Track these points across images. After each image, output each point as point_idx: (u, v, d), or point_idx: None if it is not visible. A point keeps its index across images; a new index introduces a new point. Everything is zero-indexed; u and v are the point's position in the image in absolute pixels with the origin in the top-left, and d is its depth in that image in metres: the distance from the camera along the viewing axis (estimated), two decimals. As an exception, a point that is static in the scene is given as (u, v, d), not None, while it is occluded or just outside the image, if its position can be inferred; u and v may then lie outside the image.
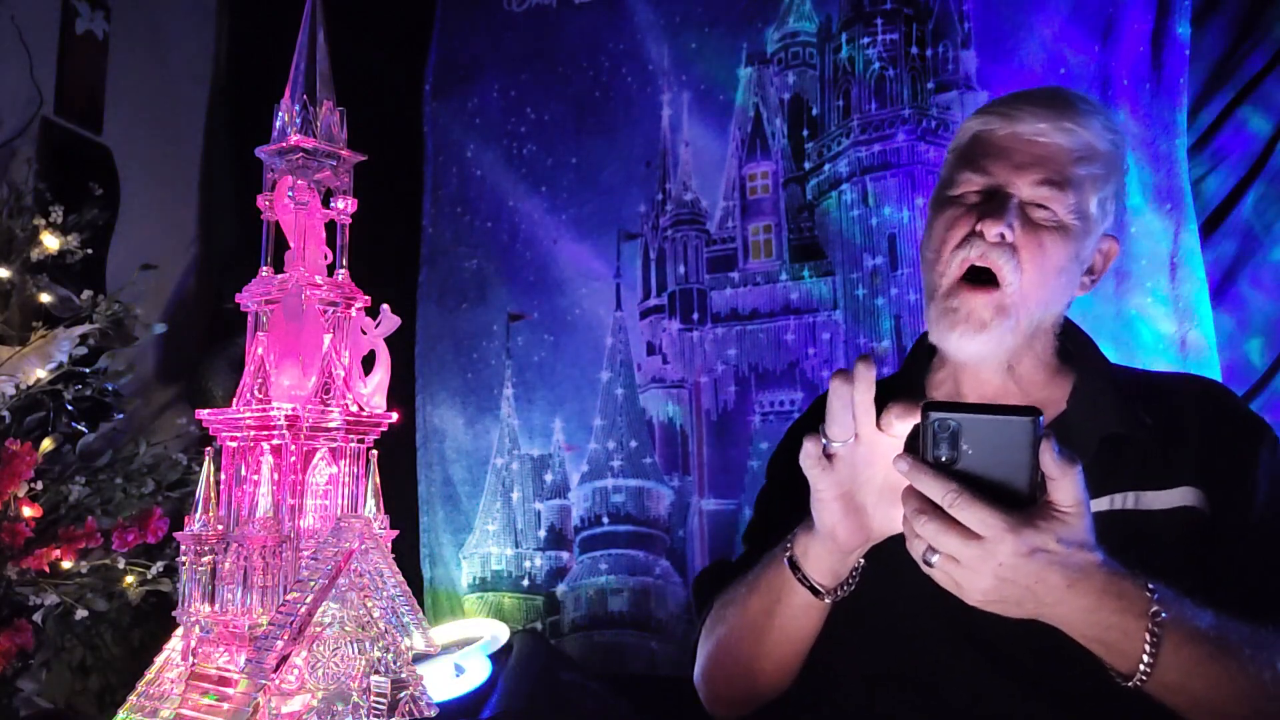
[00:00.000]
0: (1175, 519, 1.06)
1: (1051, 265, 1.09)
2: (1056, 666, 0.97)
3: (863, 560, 1.03)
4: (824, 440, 0.95)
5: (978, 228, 1.08)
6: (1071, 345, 1.18)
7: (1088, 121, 1.12)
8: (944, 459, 0.86)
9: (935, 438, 0.86)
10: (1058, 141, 1.10)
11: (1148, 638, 0.88)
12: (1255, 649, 0.94)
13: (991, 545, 0.84)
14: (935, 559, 0.87)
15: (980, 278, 1.08)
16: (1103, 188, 1.12)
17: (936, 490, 0.85)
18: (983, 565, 0.85)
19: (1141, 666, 0.89)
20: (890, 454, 0.93)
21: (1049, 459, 0.84)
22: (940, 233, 1.13)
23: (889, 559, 0.99)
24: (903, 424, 0.92)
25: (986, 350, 1.10)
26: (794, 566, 1.03)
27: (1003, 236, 1.07)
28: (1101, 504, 1.06)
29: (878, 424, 0.93)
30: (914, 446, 0.90)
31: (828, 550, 1.00)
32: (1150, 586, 0.89)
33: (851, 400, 0.93)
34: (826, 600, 1.04)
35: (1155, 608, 0.88)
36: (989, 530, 0.84)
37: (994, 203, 1.09)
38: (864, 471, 0.96)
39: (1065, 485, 0.85)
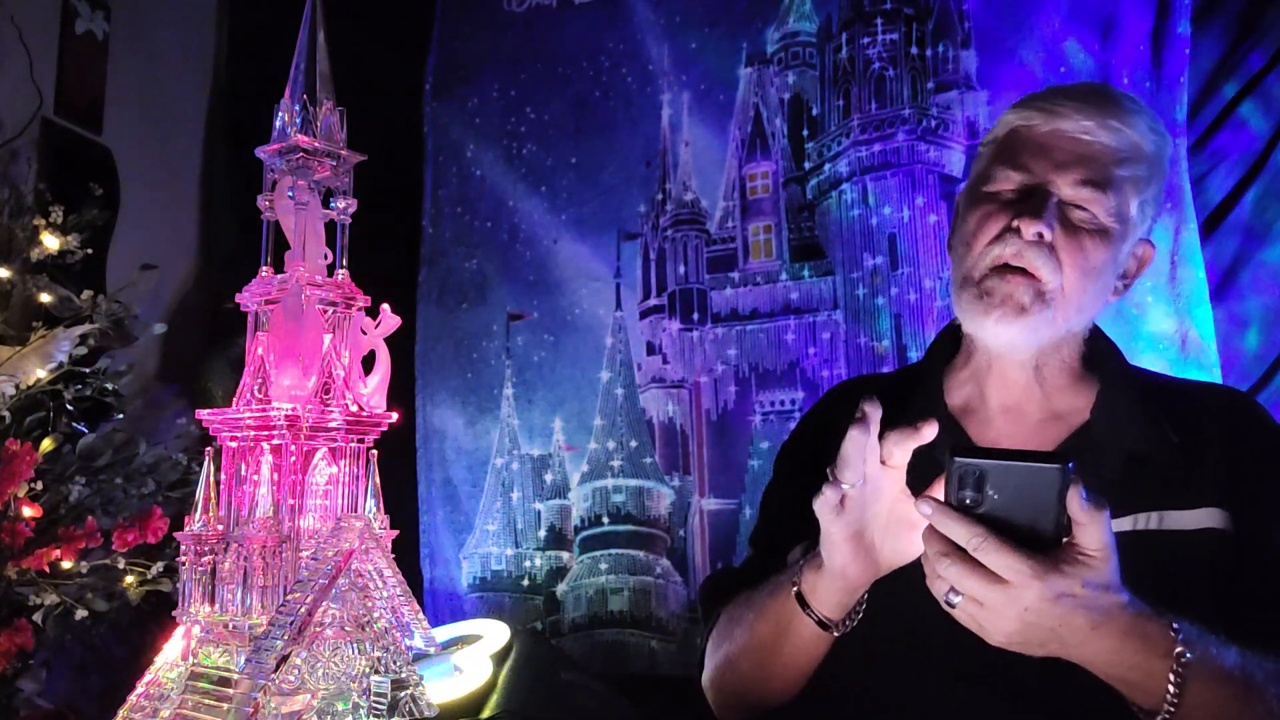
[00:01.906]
0: (1200, 540, 1.04)
1: (1090, 268, 1.06)
2: (1067, 689, 0.95)
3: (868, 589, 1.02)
4: (840, 484, 0.94)
5: (1014, 224, 1.05)
6: (1095, 350, 1.15)
7: (1133, 121, 1.08)
8: (968, 501, 0.85)
9: (960, 481, 0.86)
10: (1102, 140, 1.06)
11: (1172, 678, 0.87)
12: None
13: (1017, 590, 0.83)
14: (958, 600, 0.86)
15: (1017, 270, 1.05)
16: (1144, 191, 1.08)
17: (962, 534, 0.84)
18: (1008, 609, 0.84)
19: (1165, 706, 0.88)
20: (893, 486, 0.93)
21: (1077, 505, 0.83)
22: (973, 226, 1.10)
23: (897, 588, 0.98)
24: (902, 451, 0.92)
25: (1023, 338, 1.07)
26: (801, 602, 1.02)
27: (1040, 236, 1.04)
28: (1124, 524, 1.03)
29: (880, 459, 0.93)
30: (918, 476, 0.90)
31: (838, 588, 0.99)
32: (1175, 626, 0.88)
33: (865, 445, 0.92)
34: (835, 633, 1.03)
35: (1180, 648, 0.87)
36: (1015, 575, 0.83)
37: (1032, 201, 1.06)
38: (871, 508, 0.96)
39: (1092, 530, 0.84)
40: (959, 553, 0.85)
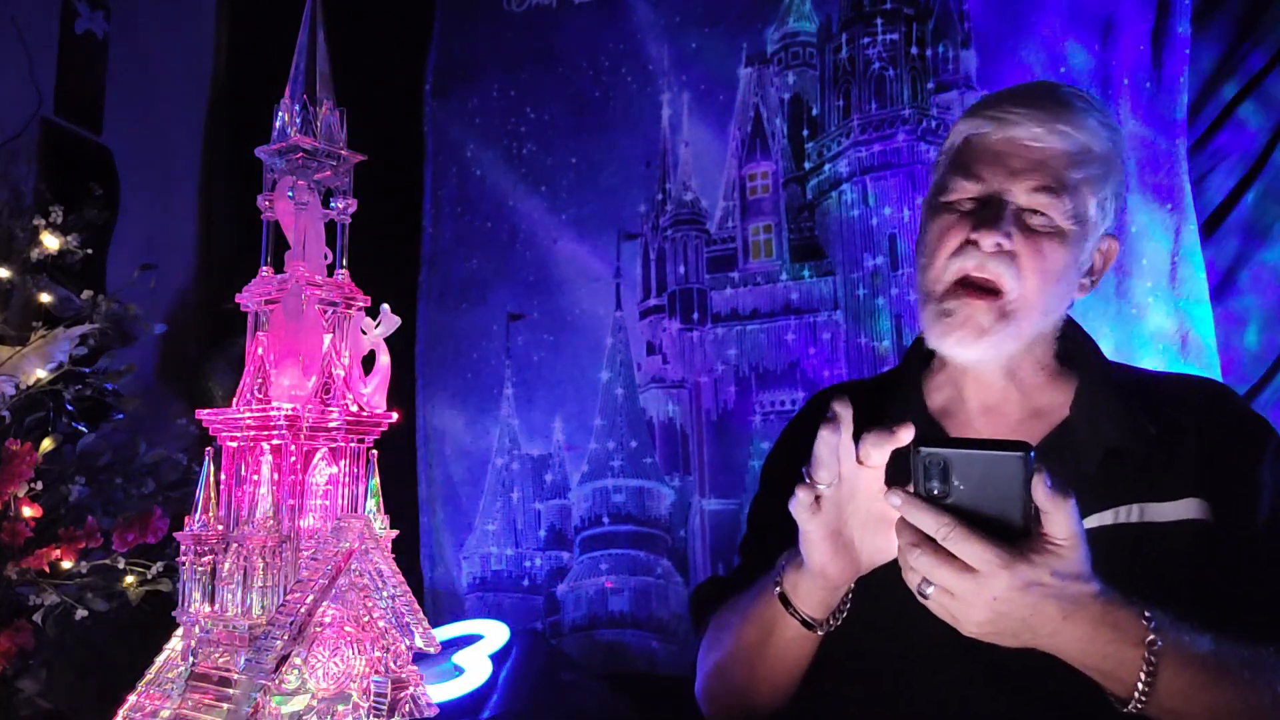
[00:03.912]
0: (1181, 531, 1.05)
1: (1051, 271, 1.06)
2: (1049, 680, 0.95)
3: (852, 587, 1.02)
4: (814, 484, 0.94)
5: (972, 236, 1.06)
6: (1072, 346, 1.16)
7: (1083, 121, 1.08)
8: (935, 492, 0.86)
9: (926, 472, 0.87)
10: (1053, 145, 1.07)
11: (1144, 665, 0.88)
12: (1255, 672, 0.93)
13: (986, 579, 0.84)
14: (930, 590, 0.87)
15: (980, 285, 1.06)
16: (1101, 188, 1.09)
17: (930, 524, 0.85)
18: (978, 598, 0.85)
19: (1138, 693, 0.89)
20: (870, 485, 0.93)
21: (1042, 493, 0.84)
22: (934, 239, 1.11)
23: (880, 583, 0.98)
24: (879, 452, 0.92)
25: (986, 356, 1.09)
26: (785, 602, 1.03)
27: (999, 246, 1.05)
28: (1106, 517, 1.05)
29: (856, 458, 0.93)
30: (897, 478, 0.90)
31: (818, 586, 1.00)
32: (1146, 614, 0.89)
33: (836, 444, 0.92)
34: (819, 632, 1.03)
35: (1151, 635, 0.88)
36: (983, 564, 0.84)
37: (989, 211, 1.06)
38: (848, 506, 0.96)
39: (1059, 518, 0.84)
40: (929, 543, 0.86)
